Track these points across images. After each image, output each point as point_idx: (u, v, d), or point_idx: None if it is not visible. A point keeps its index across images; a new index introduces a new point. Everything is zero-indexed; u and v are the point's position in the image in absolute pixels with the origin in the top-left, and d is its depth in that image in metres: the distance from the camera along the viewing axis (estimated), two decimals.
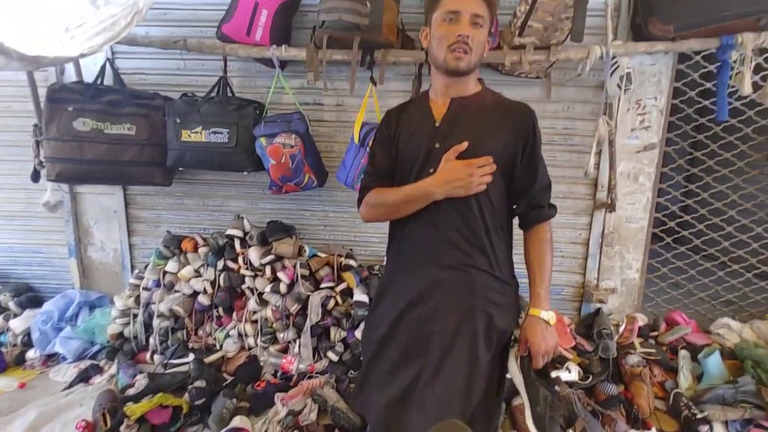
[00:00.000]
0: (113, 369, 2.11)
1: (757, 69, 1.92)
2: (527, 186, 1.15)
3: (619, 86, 1.86)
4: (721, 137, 2.22)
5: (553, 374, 1.53)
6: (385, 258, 1.32)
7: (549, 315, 1.12)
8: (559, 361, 1.94)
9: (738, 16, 1.72)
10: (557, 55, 1.84)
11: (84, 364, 2.14)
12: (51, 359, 2.22)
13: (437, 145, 1.11)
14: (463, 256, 1.11)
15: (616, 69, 1.88)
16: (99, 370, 2.12)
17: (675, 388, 1.87)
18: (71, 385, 2.01)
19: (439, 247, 1.12)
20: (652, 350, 2.04)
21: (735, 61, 1.84)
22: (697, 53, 2.08)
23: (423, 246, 1.14)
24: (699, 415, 1.69)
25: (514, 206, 1.20)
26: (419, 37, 1.18)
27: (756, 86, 1.88)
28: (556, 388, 1.12)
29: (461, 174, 1.05)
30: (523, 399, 1.13)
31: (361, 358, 1.31)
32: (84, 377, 2.06)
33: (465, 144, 1.06)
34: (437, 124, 1.13)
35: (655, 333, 2.20)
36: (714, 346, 2.04)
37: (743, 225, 2.34)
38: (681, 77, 2.17)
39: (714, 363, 1.91)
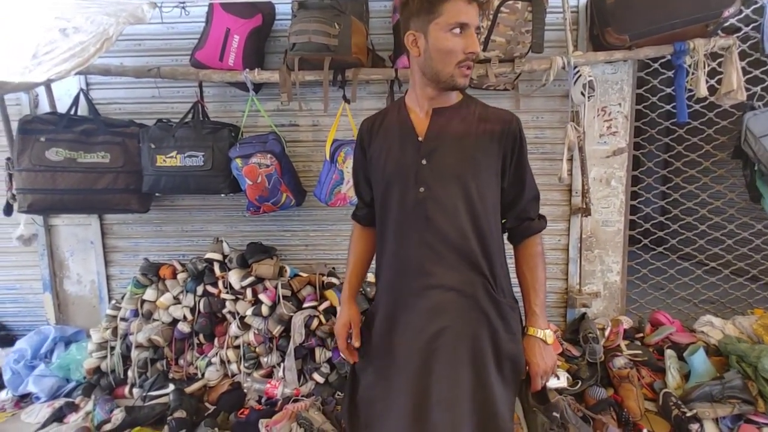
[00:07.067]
0: (89, 406, 2.01)
1: (712, 74, 2.02)
2: (515, 197, 1.09)
3: (583, 94, 1.93)
4: (686, 139, 2.31)
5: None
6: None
7: (546, 333, 1.05)
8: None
9: (687, 23, 1.82)
10: (521, 67, 1.91)
11: (58, 402, 2.04)
12: (24, 400, 2.12)
13: (424, 162, 1.03)
14: (460, 278, 1.03)
15: (578, 78, 1.96)
16: (74, 407, 2.02)
17: (664, 388, 1.86)
18: (44, 425, 1.90)
19: (433, 269, 1.03)
20: (639, 352, 2.04)
21: (690, 66, 1.94)
22: (654, 60, 2.18)
23: (414, 269, 1.05)
24: (689, 414, 1.67)
25: (504, 220, 1.13)
26: (407, 43, 1.03)
27: (712, 89, 1.98)
28: (554, 414, 1.03)
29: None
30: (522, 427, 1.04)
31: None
32: (58, 416, 1.96)
33: None
34: (421, 139, 1.05)
35: (641, 334, 2.21)
36: (698, 343, 2.04)
37: (716, 223, 2.40)
38: (642, 84, 2.26)
39: (699, 360, 1.92)
